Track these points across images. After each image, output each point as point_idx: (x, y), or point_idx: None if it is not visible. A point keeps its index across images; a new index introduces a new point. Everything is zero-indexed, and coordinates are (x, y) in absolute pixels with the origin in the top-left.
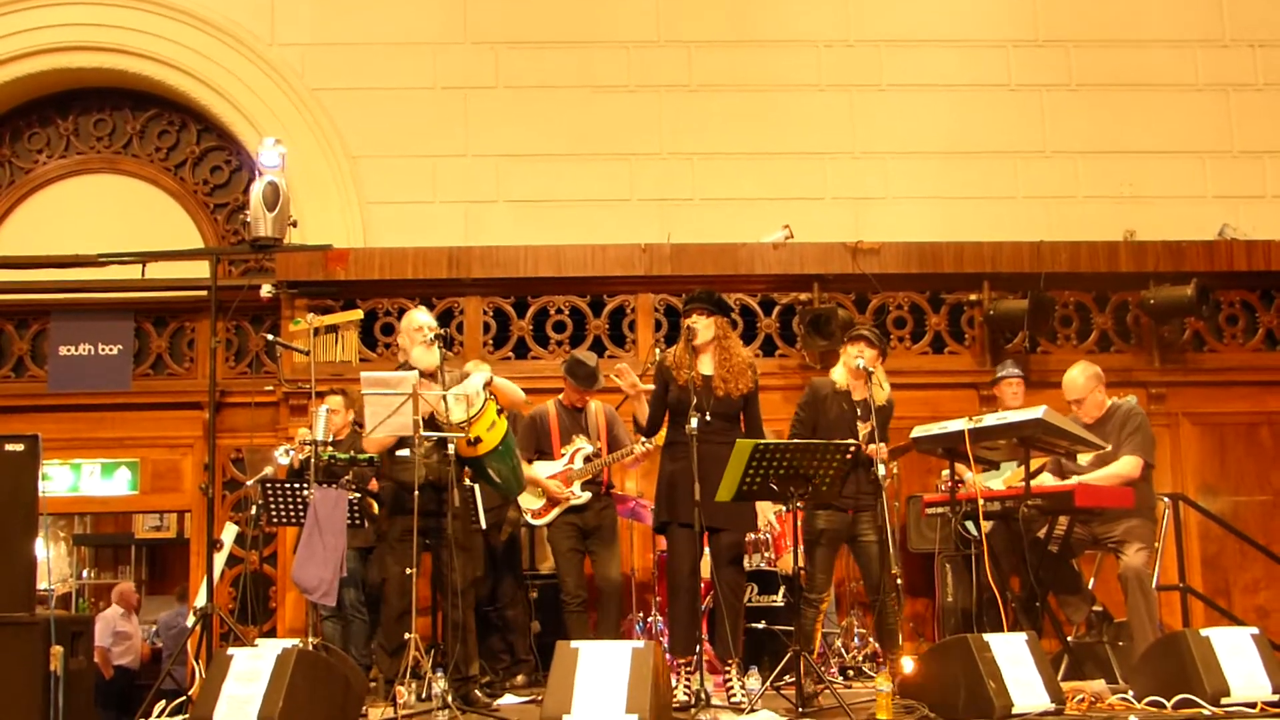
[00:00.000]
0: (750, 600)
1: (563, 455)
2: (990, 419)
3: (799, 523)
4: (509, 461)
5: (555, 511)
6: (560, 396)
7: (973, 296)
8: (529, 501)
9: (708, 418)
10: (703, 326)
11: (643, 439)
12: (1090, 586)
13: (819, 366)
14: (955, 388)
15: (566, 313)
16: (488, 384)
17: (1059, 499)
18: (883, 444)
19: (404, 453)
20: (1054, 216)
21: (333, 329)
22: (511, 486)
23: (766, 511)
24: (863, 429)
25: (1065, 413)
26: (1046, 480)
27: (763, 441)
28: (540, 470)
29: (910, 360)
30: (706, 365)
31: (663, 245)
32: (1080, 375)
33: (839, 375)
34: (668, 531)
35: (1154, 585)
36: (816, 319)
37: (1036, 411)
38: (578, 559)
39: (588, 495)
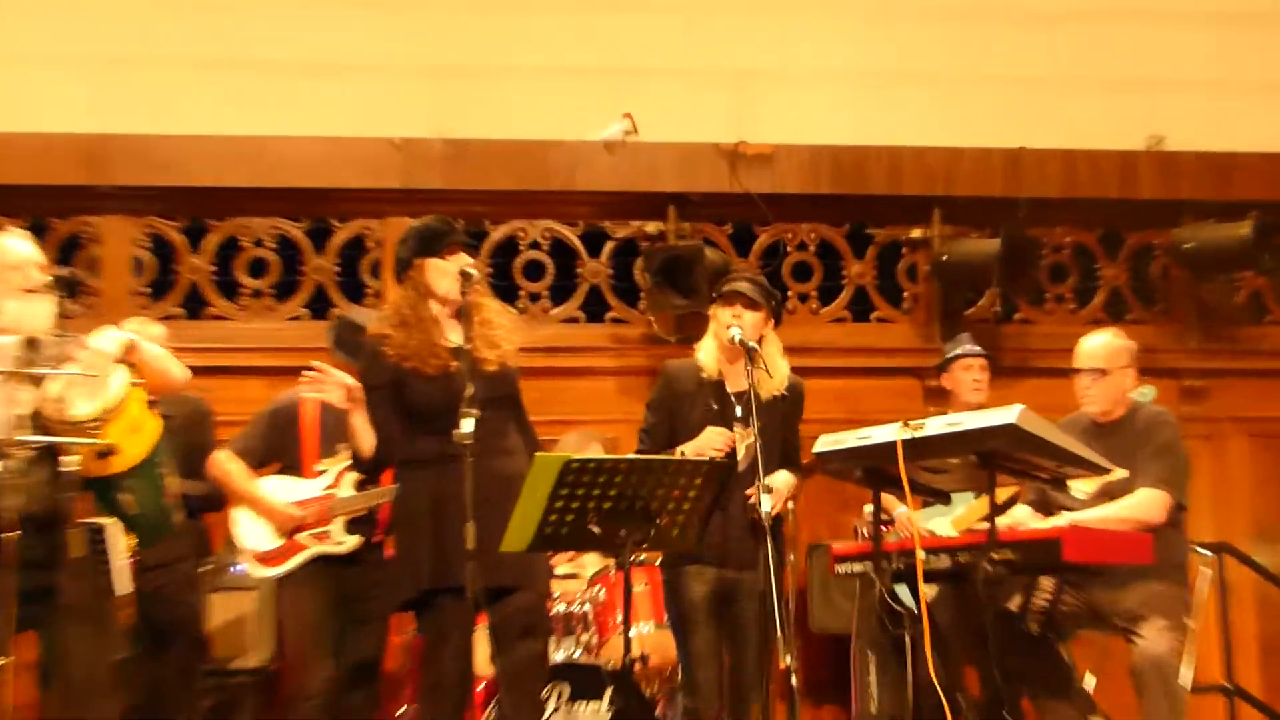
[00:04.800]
0: (555, 710)
1: (321, 474)
2: (937, 424)
3: (649, 585)
4: (155, 485)
5: (299, 559)
6: None
7: (916, 233)
8: (255, 537)
9: (473, 415)
10: None
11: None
12: (1088, 686)
13: (674, 339)
14: (886, 374)
15: (271, 245)
16: (128, 351)
17: (1040, 550)
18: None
19: None
20: (1041, 109)
21: None
22: (158, 524)
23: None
24: (743, 437)
25: (1051, 405)
26: (1023, 518)
27: (580, 457)
28: (278, 491)
29: (818, 331)
30: (452, 332)
31: (430, 141)
32: (1109, 341)
33: (707, 355)
34: (423, 607)
35: (1185, 684)
36: (672, 263)
37: (1008, 413)
38: (329, 634)
39: (354, 541)
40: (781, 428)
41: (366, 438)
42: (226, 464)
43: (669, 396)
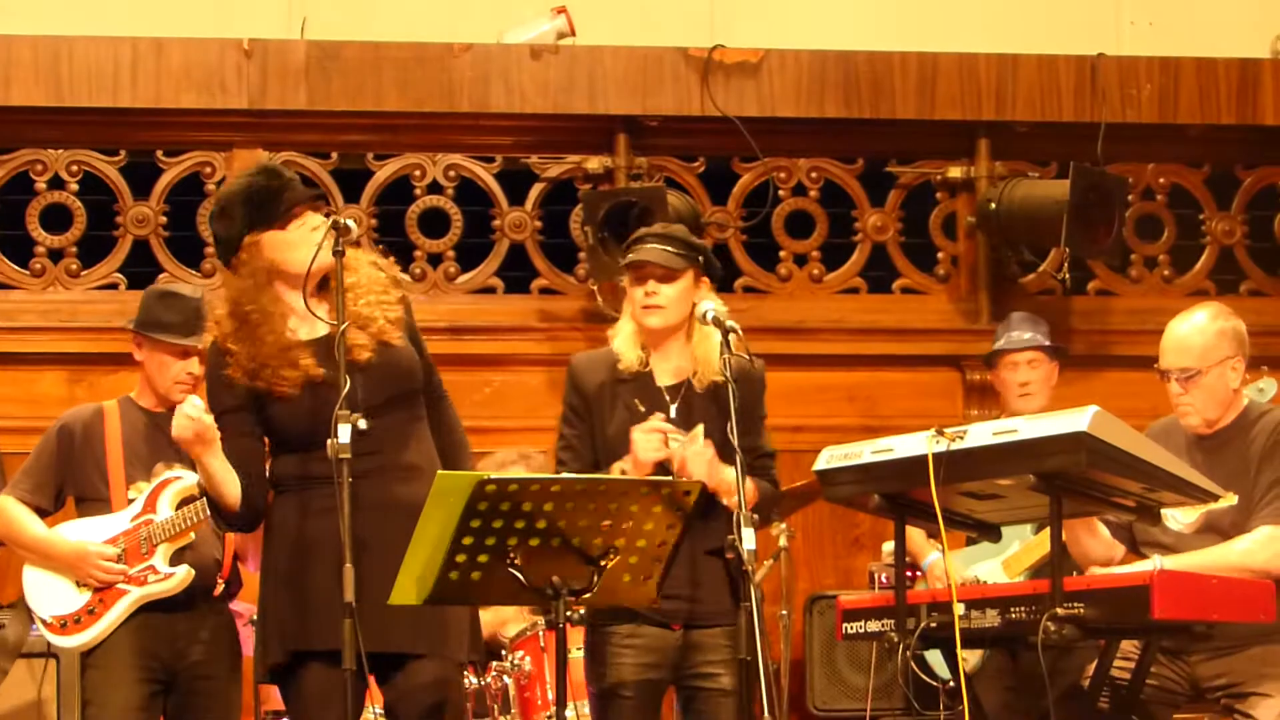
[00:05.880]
0: None
1: (132, 502)
2: (982, 432)
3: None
4: None
5: (116, 613)
6: (134, 394)
7: (955, 171)
8: (51, 599)
9: (361, 424)
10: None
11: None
12: None
13: (619, 314)
14: (914, 364)
15: (74, 184)
16: None
17: (1123, 603)
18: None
19: None
20: (1128, 2)
21: None
22: None
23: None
24: (680, 447)
25: (1139, 406)
26: (1101, 556)
27: (498, 476)
28: (76, 533)
29: (822, 305)
30: (319, 317)
31: (290, 44)
32: (1201, 328)
33: (624, 340)
34: (290, 677)
35: None
36: (623, 213)
37: (1079, 418)
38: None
39: (185, 574)
40: (739, 424)
41: (228, 486)
42: (9, 513)
43: (580, 402)
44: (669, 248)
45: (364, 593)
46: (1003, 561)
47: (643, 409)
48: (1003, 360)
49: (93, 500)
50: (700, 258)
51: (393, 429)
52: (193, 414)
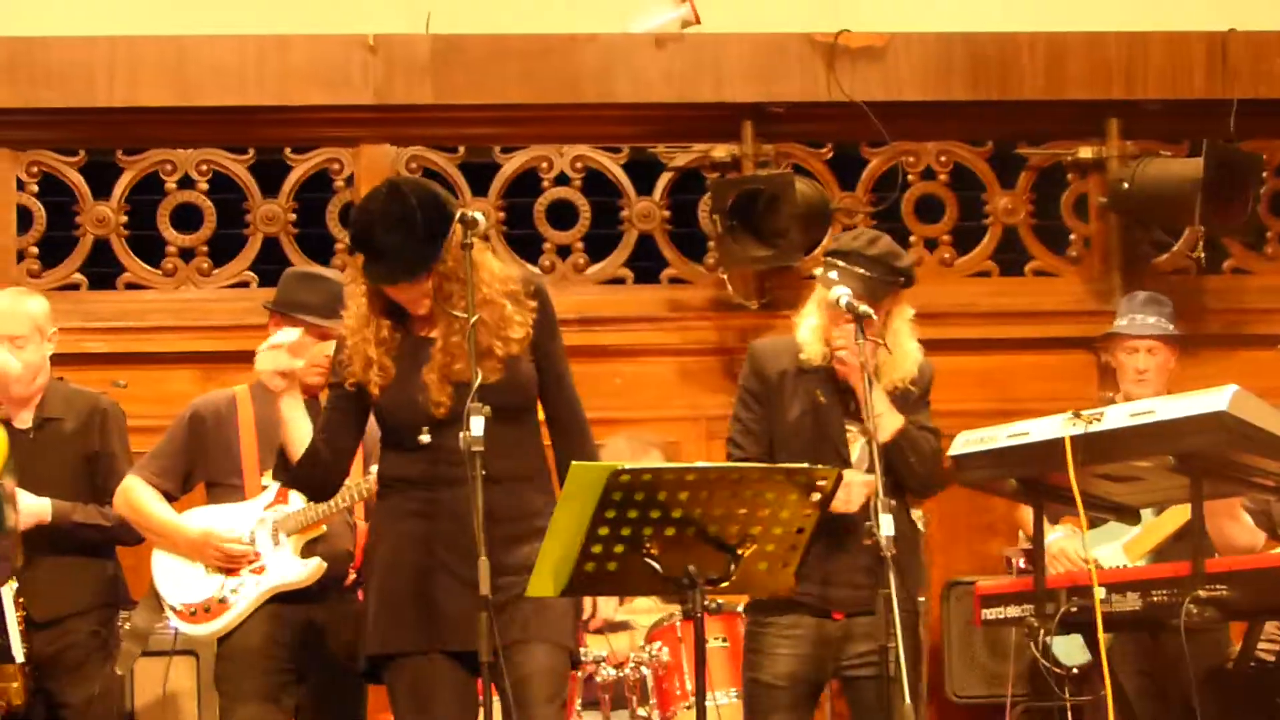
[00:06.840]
0: None
1: (265, 489)
2: (1119, 414)
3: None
4: None
5: (242, 606)
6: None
7: (1086, 151)
8: (181, 586)
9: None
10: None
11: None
12: None
13: (755, 304)
14: (1048, 346)
15: (204, 183)
16: None
17: (1263, 584)
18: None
19: None
20: None
21: None
22: None
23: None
24: (855, 437)
25: (1274, 391)
26: (1244, 543)
27: (632, 465)
28: (205, 520)
29: (952, 289)
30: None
31: (416, 39)
32: None
33: (809, 331)
34: (393, 672)
35: None
36: (751, 201)
37: (1218, 397)
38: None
39: (314, 566)
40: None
41: (299, 436)
42: (135, 494)
43: (761, 387)
44: (873, 274)
45: (450, 598)
46: (1124, 544)
47: (824, 401)
48: (1122, 343)
49: (224, 486)
50: (902, 279)
51: (494, 440)
52: (283, 340)
